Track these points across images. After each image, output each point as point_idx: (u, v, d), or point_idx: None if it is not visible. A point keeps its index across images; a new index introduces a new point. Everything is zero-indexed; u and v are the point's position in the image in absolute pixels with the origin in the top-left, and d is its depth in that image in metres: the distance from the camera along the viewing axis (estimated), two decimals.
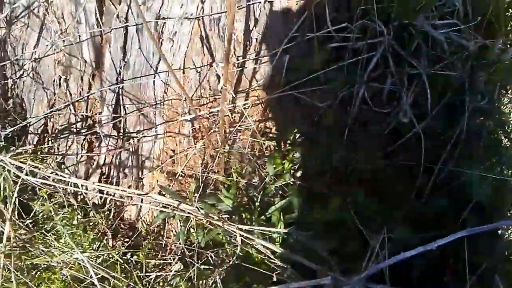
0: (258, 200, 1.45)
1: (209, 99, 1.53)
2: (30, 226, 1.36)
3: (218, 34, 1.37)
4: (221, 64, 1.42)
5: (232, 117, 1.50)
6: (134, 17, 1.31)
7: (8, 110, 1.50)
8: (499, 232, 1.59)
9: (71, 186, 1.26)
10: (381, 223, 1.34)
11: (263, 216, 1.46)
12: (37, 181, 1.02)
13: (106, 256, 1.36)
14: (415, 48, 1.30)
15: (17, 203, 1.10)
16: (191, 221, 1.50)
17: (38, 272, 1.37)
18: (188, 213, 1.31)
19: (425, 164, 1.36)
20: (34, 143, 1.52)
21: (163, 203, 1.40)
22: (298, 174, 1.50)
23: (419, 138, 1.34)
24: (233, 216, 1.49)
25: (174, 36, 1.37)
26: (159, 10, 1.31)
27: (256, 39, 1.41)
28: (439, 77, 1.29)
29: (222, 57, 1.43)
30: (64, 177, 1.18)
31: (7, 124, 1.49)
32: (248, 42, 1.41)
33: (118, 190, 1.04)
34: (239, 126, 1.54)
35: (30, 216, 1.37)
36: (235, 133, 1.59)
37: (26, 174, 1.15)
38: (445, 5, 1.29)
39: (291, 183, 1.47)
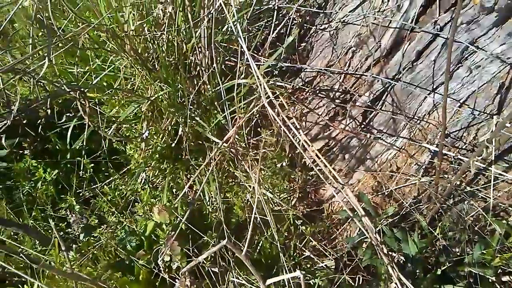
0: None
1: (464, 146, 1.38)
2: None
3: None
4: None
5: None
6: (448, 31, 1.24)
7: (295, 52, 1.66)
8: None
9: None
10: None
11: None
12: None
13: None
14: None
15: None
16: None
17: None
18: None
19: None
20: (295, 84, 1.66)
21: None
22: None
23: None
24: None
25: (476, 69, 1.25)
26: (478, 38, 1.20)
27: None
28: None
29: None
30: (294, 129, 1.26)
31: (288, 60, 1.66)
32: None
33: (328, 168, 1.05)
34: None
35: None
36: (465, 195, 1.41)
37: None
38: None
39: None
